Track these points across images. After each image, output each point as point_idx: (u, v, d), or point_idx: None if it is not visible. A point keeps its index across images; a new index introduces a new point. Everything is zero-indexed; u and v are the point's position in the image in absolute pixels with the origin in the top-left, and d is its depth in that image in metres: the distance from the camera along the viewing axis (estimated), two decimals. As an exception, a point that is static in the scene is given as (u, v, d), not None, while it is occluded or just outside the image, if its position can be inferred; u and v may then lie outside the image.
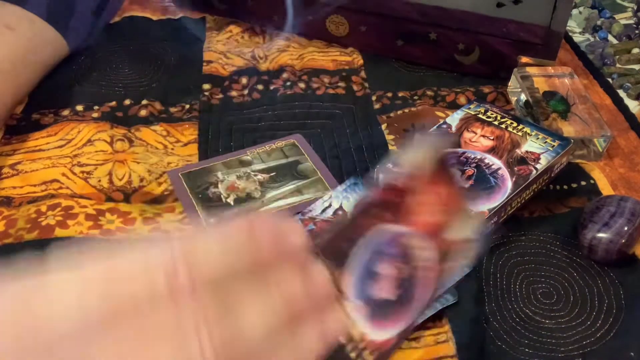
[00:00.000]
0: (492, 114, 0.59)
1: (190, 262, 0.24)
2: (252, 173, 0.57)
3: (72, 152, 0.59)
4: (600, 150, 0.60)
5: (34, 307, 0.23)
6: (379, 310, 0.32)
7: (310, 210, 0.53)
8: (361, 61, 0.72)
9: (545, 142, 0.56)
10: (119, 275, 0.24)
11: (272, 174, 0.57)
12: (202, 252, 0.25)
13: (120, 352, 0.23)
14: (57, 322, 0.23)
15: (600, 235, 0.49)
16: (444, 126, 0.58)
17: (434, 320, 0.46)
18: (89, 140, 0.60)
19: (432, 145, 0.32)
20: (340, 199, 0.54)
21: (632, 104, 0.69)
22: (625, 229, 0.49)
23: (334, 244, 0.32)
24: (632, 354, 0.43)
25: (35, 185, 0.55)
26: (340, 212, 0.52)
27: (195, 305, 0.24)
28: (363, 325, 0.32)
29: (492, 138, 0.56)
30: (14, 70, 0.60)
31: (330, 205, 0.54)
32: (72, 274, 0.24)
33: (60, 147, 0.59)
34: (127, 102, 0.66)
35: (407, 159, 0.32)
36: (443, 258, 0.34)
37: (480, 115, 0.59)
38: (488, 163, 0.54)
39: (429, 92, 0.69)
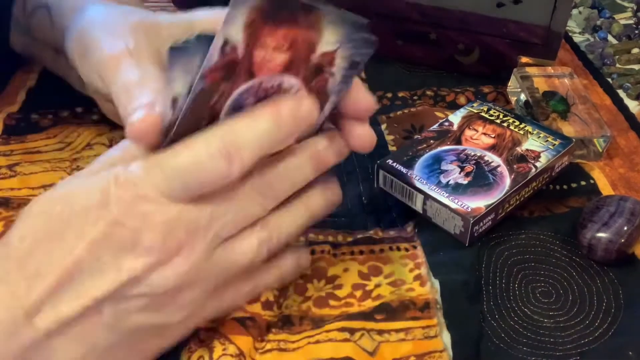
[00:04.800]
0: (494, 113, 0.59)
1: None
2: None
3: (71, 156, 0.59)
4: (600, 150, 0.60)
5: None
6: None
7: None
8: (361, 62, 0.72)
9: (547, 140, 0.56)
10: None
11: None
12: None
13: None
14: None
15: (600, 235, 0.49)
16: (446, 124, 0.58)
17: (423, 311, 0.45)
18: (88, 144, 0.60)
19: None
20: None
21: (632, 104, 0.69)
22: (625, 228, 0.49)
23: (187, 127, 0.35)
24: (630, 353, 0.43)
25: (34, 189, 0.55)
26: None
27: None
28: None
29: (493, 136, 0.56)
30: None
31: None
32: None
33: (60, 149, 0.59)
34: (127, 103, 0.66)
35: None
36: (320, 71, 0.38)
37: (482, 114, 0.59)
38: (487, 160, 0.54)
39: (428, 92, 0.69)
